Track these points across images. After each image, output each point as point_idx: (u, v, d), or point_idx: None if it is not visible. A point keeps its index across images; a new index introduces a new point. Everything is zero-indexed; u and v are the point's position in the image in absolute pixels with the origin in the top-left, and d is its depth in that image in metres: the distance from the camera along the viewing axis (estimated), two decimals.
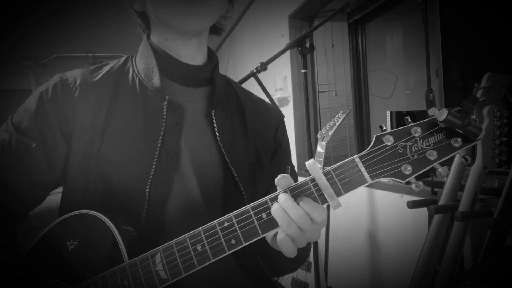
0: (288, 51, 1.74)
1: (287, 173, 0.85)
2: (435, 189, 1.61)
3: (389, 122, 1.67)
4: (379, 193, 2.07)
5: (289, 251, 0.58)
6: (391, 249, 2.01)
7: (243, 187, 0.76)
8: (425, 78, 1.53)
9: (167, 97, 0.74)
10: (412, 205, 1.47)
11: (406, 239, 1.86)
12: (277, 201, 0.58)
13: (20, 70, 4.72)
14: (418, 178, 0.59)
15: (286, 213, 0.57)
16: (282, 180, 0.59)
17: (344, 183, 0.58)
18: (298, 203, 0.57)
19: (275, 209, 0.58)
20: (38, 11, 3.38)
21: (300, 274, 2.14)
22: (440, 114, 0.56)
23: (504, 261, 0.97)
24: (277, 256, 0.69)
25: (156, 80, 0.75)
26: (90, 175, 0.71)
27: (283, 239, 0.58)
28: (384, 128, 0.60)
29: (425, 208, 1.42)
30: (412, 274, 1.44)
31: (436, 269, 1.38)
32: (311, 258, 2.09)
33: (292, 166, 0.89)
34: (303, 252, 0.76)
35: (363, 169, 0.58)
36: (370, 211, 2.15)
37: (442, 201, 1.41)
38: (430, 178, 1.60)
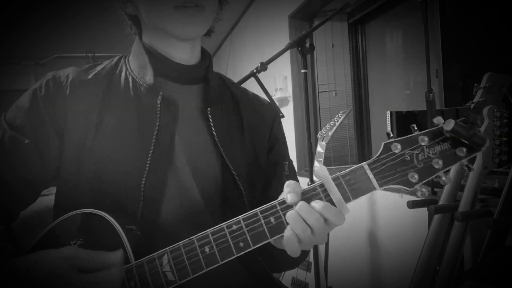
0: (288, 51, 1.74)
1: (284, 169, 0.86)
2: (435, 189, 1.61)
3: (389, 122, 1.66)
4: (379, 193, 2.07)
5: (293, 250, 0.59)
6: (391, 249, 2.01)
7: (242, 184, 0.76)
8: (425, 78, 1.53)
9: (160, 93, 0.74)
10: (412, 205, 1.47)
11: (406, 239, 1.86)
12: (293, 208, 0.59)
13: (20, 70, 4.72)
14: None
15: (302, 219, 0.58)
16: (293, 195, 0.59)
17: (353, 189, 0.59)
18: (313, 208, 0.58)
19: (291, 214, 0.58)
20: (38, 11, 3.38)
21: (300, 274, 2.14)
22: (447, 124, 0.58)
23: (504, 261, 0.97)
24: (278, 254, 0.70)
25: (150, 77, 0.75)
26: (83, 172, 0.70)
27: (289, 237, 0.58)
28: (391, 135, 0.61)
29: (425, 208, 1.41)
30: (412, 274, 1.44)
31: (436, 269, 1.38)
32: (311, 258, 2.09)
33: (290, 161, 0.89)
34: (305, 251, 0.76)
35: (371, 176, 0.59)
36: (370, 211, 2.14)
37: (442, 201, 1.41)
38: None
